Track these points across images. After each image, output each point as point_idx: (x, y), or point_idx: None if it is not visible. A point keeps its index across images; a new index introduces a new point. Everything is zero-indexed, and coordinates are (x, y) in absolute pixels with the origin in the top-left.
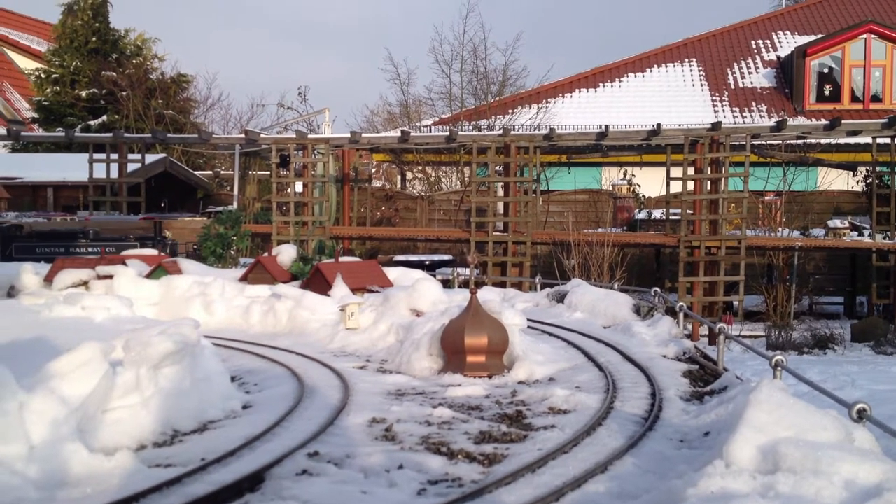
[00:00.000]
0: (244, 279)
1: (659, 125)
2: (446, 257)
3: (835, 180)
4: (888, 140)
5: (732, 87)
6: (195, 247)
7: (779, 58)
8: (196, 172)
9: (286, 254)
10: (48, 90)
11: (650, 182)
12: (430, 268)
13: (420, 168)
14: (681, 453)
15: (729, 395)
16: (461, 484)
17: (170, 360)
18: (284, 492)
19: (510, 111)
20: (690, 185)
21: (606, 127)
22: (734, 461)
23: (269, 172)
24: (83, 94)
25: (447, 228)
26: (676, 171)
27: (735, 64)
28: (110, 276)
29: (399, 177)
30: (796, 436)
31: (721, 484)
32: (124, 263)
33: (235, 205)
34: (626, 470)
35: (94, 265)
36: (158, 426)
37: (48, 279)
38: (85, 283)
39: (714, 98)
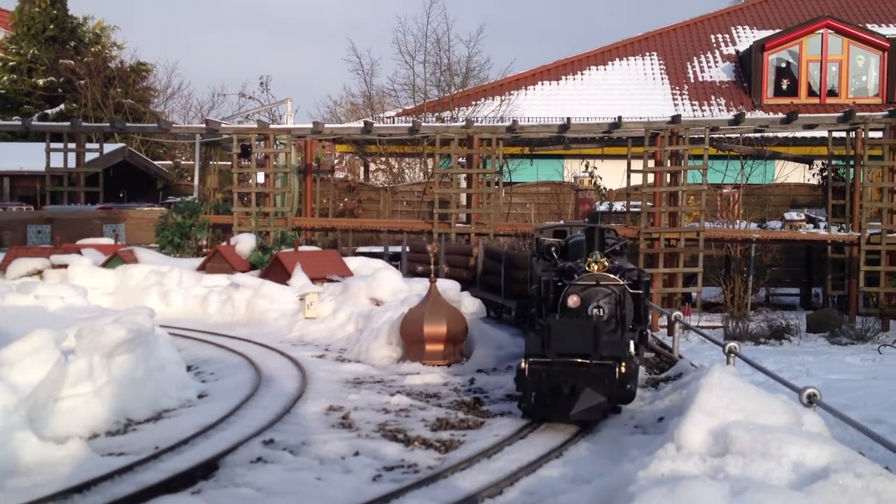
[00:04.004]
0: (202, 268)
1: (620, 118)
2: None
3: (791, 173)
4: (843, 134)
5: (692, 80)
6: None
7: (737, 52)
8: (156, 162)
9: (245, 243)
10: (5, 78)
11: (611, 174)
12: (393, 258)
13: (383, 159)
14: (635, 438)
15: (683, 382)
16: (417, 470)
17: (123, 348)
18: (238, 479)
19: (473, 103)
20: (651, 178)
21: (568, 119)
22: (685, 444)
23: (230, 163)
24: (40, 82)
25: (410, 220)
26: (637, 164)
27: (695, 58)
28: (65, 266)
29: (362, 168)
30: (746, 419)
31: (671, 466)
32: (80, 252)
33: (196, 195)
34: (580, 455)
35: (49, 254)
36: (111, 415)
37: (2, 268)
38: (39, 273)
39: (674, 91)
